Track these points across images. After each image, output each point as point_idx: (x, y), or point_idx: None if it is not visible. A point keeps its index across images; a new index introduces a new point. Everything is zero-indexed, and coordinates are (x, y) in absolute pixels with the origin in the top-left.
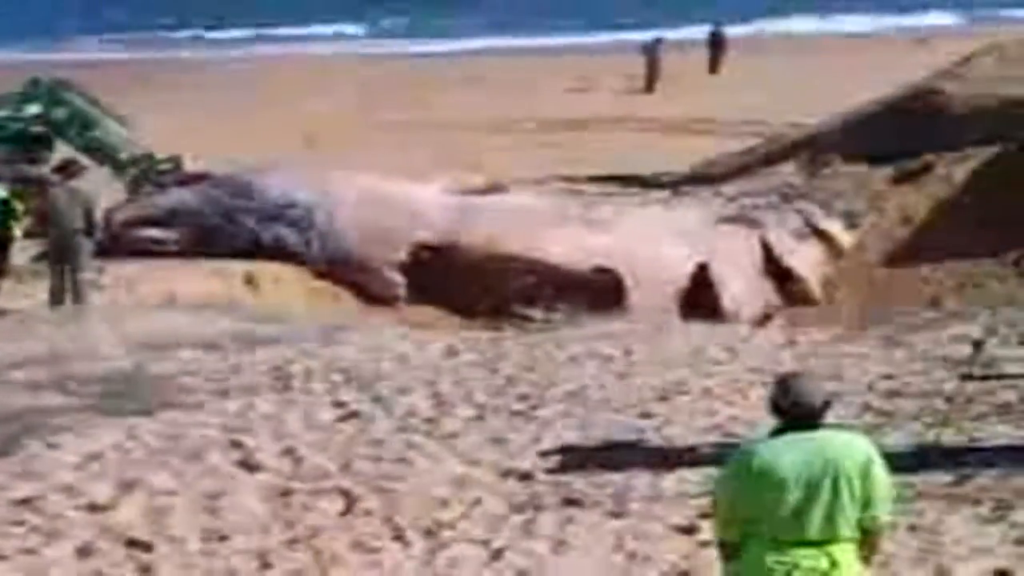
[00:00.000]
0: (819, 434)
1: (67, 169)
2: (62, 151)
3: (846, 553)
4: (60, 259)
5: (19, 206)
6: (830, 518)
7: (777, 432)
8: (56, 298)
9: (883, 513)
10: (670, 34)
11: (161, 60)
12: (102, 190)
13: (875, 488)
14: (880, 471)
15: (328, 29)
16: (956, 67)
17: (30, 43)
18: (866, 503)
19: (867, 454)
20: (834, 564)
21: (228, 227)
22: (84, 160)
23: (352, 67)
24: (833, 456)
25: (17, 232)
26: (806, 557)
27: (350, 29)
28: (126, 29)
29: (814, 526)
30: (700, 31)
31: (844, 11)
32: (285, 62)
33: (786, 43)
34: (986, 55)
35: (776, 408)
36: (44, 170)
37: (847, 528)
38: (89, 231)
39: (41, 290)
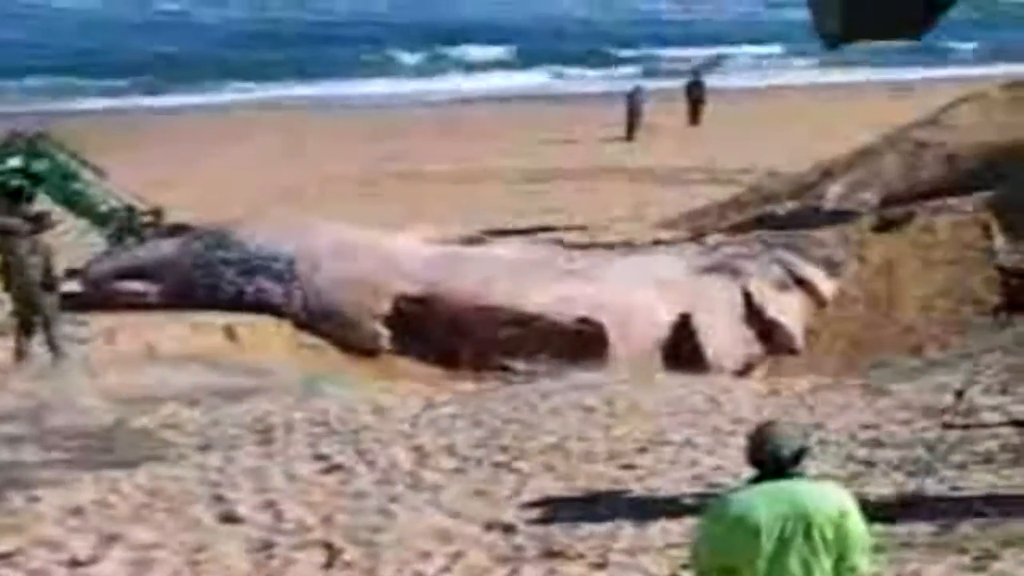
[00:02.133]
0: (794, 483)
1: (40, 221)
2: (43, 204)
3: None
4: (23, 312)
5: None
6: (806, 568)
7: (753, 481)
8: (19, 352)
9: (862, 563)
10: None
11: (123, 111)
12: (81, 243)
13: (850, 537)
14: (855, 521)
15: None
16: (937, 115)
17: None
18: (842, 553)
19: (841, 504)
20: None
21: (209, 279)
22: (61, 214)
23: (320, 118)
24: (807, 506)
25: None
26: None
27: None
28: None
29: (791, 575)
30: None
31: (828, 64)
32: (252, 116)
33: (764, 93)
34: (968, 103)
35: (752, 457)
36: (14, 221)
37: None
38: (48, 285)
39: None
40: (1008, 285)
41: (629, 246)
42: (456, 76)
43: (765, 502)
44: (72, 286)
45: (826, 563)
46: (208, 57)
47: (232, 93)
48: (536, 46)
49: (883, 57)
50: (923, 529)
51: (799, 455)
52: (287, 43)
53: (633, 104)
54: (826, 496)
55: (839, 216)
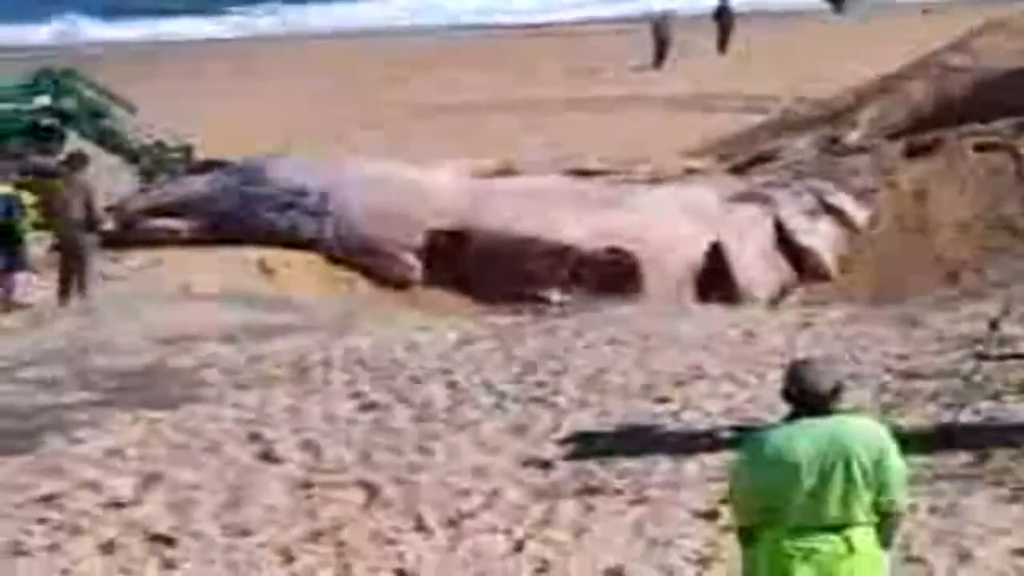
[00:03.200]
0: (832, 419)
1: (73, 161)
2: (74, 142)
3: (864, 537)
4: (65, 252)
5: (27, 199)
6: (845, 503)
7: (790, 418)
8: (64, 291)
9: (900, 497)
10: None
11: (162, 44)
12: (117, 178)
13: (889, 473)
14: (894, 456)
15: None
16: (963, 40)
17: (25, 27)
18: (880, 488)
19: (880, 439)
20: (851, 548)
21: (242, 215)
22: (92, 151)
23: (344, 47)
24: (846, 441)
25: (24, 226)
26: (824, 542)
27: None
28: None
29: (830, 511)
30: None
31: None
32: (285, 43)
33: (793, 17)
34: (994, 27)
35: (788, 395)
36: (53, 162)
37: (863, 512)
38: (91, 224)
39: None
40: None
41: (659, 176)
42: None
43: (804, 439)
44: (106, 224)
45: (865, 498)
46: None
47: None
48: None
49: None
50: (958, 460)
51: (836, 391)
52: None
53: (660, 31)
54: (865, 432)
55: (868, 142)
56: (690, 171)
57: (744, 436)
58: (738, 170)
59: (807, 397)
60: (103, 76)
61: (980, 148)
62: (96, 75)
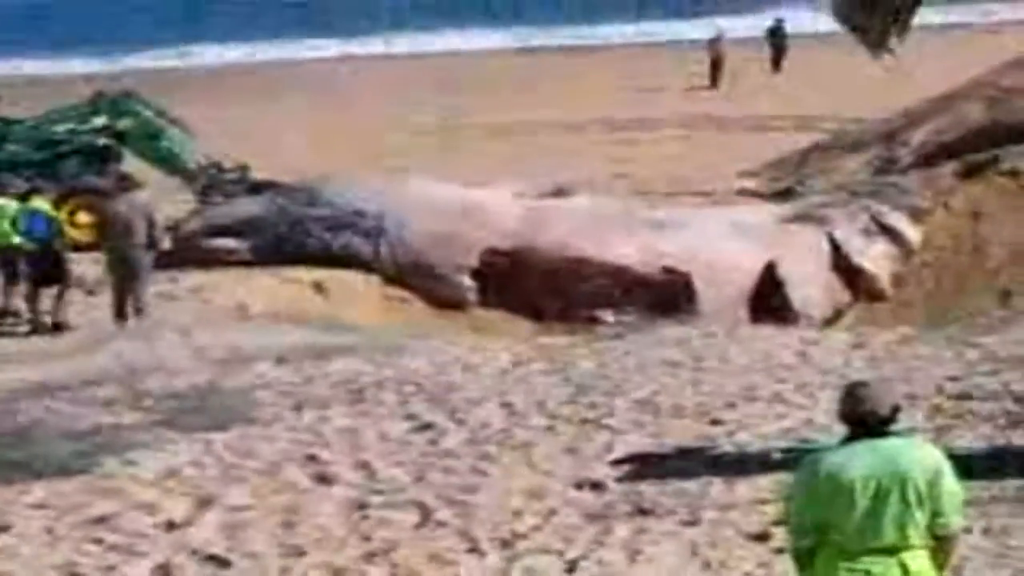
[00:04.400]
0: (888, 442)
1: (124, 182)
2: (130, 163)
3: (918, 560)
4: (120, 272)
5: (83, 219)
6: (900, 526)
7: (847, 440)
8: (119, 312)
9: (955, 520)
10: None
11: (215, 69)
12: (170, 200)
13: (944, 496)
14: (950, 479)
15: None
16: (1019, 59)
17: (84, 53)
18: (935, 511)
19: (936, 462)
20: (906, 571)
21: (298, 236)
22: (148, 171)
23: (397, 70)
24: (902, 464)
25: (59, 244)
26: (877, 564)
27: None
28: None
29: (884, 534)
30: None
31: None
32: (344, 70)
33: (847, 37)
34: None
35: (845, 416)
36: (103, 182)
37: (917, 536)
38: (151, 244)
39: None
40: None
41: (714, 196)
42: (533, 28)
43: (860, 460)
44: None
45: (920, 521)
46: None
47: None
48: None
49: None
50: (1012, 482)
51: (893, 413)
52: None
53: (715, 51)
54: (921, 454)
55: (924, 163)
56: (745, 191)
57: (800, 457)
58: (791, 191)
59: (864, 418)
60: (171, 99)
61: None
62: (162, 99)
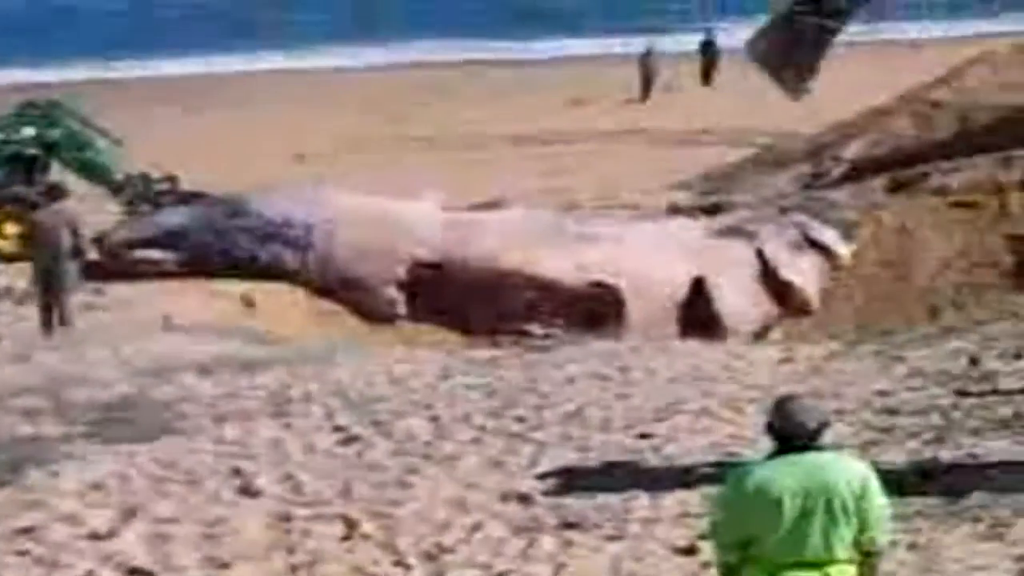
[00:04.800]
0: (815, 456)
1: (52, 192)
2: (57, 173)
3: (844, 574)
4: (46, 283)
5: (9, 229)
6: (826, 540)
7: (774, 454)
8: (46, 323)
9: (881, 535)
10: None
11: (143, 81)
12: (98, 210)
13: (870, 510)
14: (876, 494)
15: (314, 47)
16: (949, 75)
17: (12, 64)
18: (862, 525)
19: (863, 477)
20: None
21: (225, 247)
22: (75, 182)
23: (338, 83)
24: (829, 479)
25: None
26: None
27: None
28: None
29: (811, 548)
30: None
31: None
32: (269, 80)
33: None
34: (979, 62)
35: (772, 430)
36: (34, 192)
37: (844, 550)
38: (77, 255)
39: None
40: (1019, 252)
41: (644, 210)
42: (466, 41)
43: (787, 474)
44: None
45: (846, 535)
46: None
47: (224, 59)
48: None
49: (903, 12)
50: (938, 497)
51: (821, 428)
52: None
53: (646, 65)
54: (847, 469)
55: (853, 178)
56: (675, 205)
57: (727, 470)
58: (721, 205)
59: (792, 433)
60: (98, 110)
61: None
62: (89, 108)
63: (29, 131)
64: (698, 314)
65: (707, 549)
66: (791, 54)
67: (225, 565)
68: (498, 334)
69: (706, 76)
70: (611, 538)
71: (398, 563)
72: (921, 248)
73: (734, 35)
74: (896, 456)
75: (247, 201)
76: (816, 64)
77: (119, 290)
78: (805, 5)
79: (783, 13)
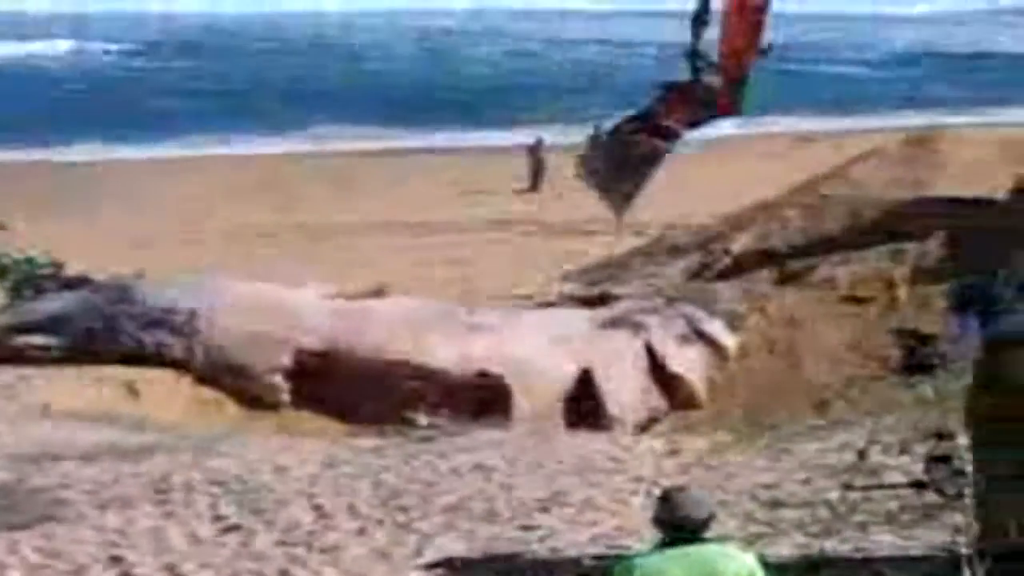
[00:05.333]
0: (703, 548)
1: None
2: None
3: None
4: None
5: None
6: None
7: (661, 545)
8: None
9: None
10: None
11: (27, 166)
12: None
13: None
14: None
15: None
16: (839, 168)
17: None
18: None
19: (750, 569)
20: None
21: (110, 333)
22: None
23: (230, 169)
24: (716, 570)
25: None
26: None
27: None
28: None
29: None
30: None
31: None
32: (147, 168)
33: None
34: (869, 156)
35: (660, 522)
36: None
37: None
38: None
39: None
40: (907, 347)
41: (534, 299)
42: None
43: (674, 566)
44: None
45: None
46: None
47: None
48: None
49: (790, 108)
50: None
51: (708, 520)
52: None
53: (535, 157)
54: (734, 560)
55: (741, 269)
56: (564, 295)
57: (613, 563)
58: (609, 296)
59: (680, 524)
60: None
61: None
62: None
63: None
64: (585, 405)
65: None
66: (621, 174)
67: None
68: (383, 423)
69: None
70: None
71: None
72: (809, 340)
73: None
74: (783, 549)
75: (133, 287)
76: (644, 183)
77: (1, 375)
78: (636, 124)
79: (615, 132)
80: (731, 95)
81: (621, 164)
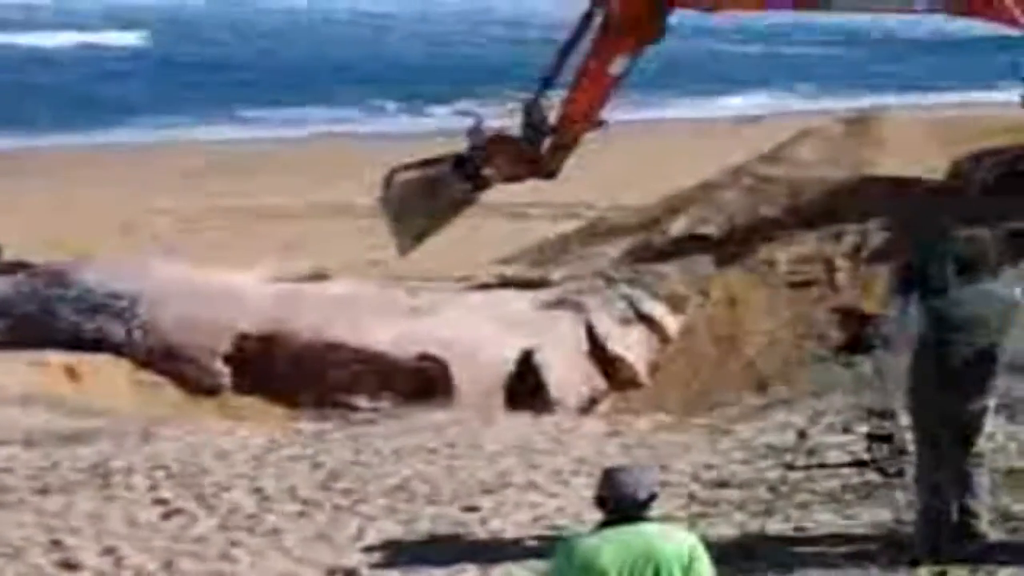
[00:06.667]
0: (643, 527)
1: None
2: None
3: None
4: None
5: None
6: None
7: (601, 525)
8: None
9: None
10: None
11: None
12: None
13: None
14: (704, 564)
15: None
16: (777, 149)
17: None
18: None
19: (690, 547)
20: None
21: (47, 318)
22: None
23: (176, 154)
24: (656, 549)
25: None
26: None
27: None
28: None
29: None
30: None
31: (671, 97)
32: (101, 150)
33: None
34: (806, 137)
35: (601, 501)
36: None
37: None
38: None
39: None
40: (847, 326)
41: (471, 283)
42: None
43: (614, 546)
44: None
45: None
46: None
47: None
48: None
49: (732, 87)
50: (766, 571)
51: (650, 500)
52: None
53: (474, 139)
54: (675, 539)
55: (682, 250)
56: (503, 278)
57: (555, 543)
58: (549, 278)
59: (621, 504)
60: None
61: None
62: None
63: None
64: (526, 387)
65: None
66: (426, 215)
67: None
68: (323, 407)
69: None
70: None
71: None
72: (750, 321)
73: None
74: (724, 529)
75: (71, 272)
76: (441, 228)
77: None
78: (459, 172)
79: (433, 177)
80: (554, 160)
81: (429, 206)
